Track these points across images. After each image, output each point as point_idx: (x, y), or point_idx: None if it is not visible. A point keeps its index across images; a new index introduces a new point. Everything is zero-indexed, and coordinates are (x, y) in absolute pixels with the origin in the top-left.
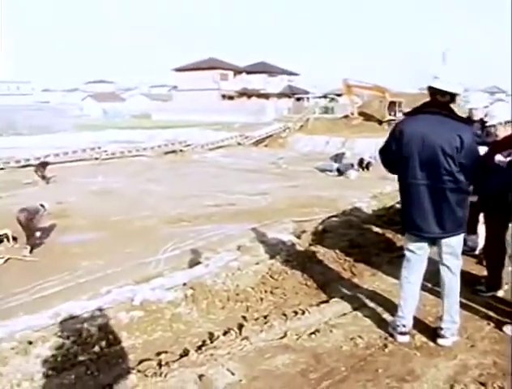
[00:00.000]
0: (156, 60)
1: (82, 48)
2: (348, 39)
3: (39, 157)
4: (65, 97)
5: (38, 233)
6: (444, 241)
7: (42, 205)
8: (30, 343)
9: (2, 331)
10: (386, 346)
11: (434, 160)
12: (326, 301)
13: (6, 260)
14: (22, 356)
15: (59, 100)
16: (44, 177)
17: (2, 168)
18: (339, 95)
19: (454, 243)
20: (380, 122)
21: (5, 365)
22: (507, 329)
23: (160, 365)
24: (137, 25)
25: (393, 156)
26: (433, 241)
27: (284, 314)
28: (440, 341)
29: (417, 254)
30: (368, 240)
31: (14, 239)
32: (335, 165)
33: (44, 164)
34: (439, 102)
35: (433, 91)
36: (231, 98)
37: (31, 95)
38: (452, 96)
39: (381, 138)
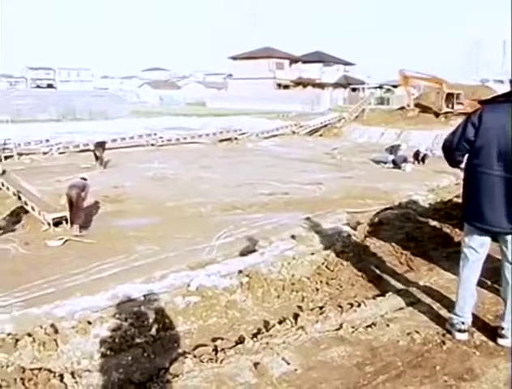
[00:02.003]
0: (211, 48)
1: (139, 36)
2: (404, 28)
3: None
4: (123, 84)
5: (84, 203)
6: (509, 237)
7: (84, 178)
8: (89, 323)
9: (61, 310)
10: (443, 343)
11: None
12: (383, 295)
13: (65, 241)
14: (81, 335)
15: (117, 87)
16: (101, 158)
17: (62, 153)
18: (394, 86)
19: None
20: (437, 115)
21: (65, 343)
22: None
23: (215, 350)
24: (192, 14)
25: (466, 144)
26: (496, 237)
27: (340, 306)
28: (500, 341)
29: (477, 250)
30: (425, 234)
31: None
32: (391, 157)
33: (102, 144)
34: None
35: None
36: (286, 87)
37: (90, 81)
38: None
39: (437, 131)
